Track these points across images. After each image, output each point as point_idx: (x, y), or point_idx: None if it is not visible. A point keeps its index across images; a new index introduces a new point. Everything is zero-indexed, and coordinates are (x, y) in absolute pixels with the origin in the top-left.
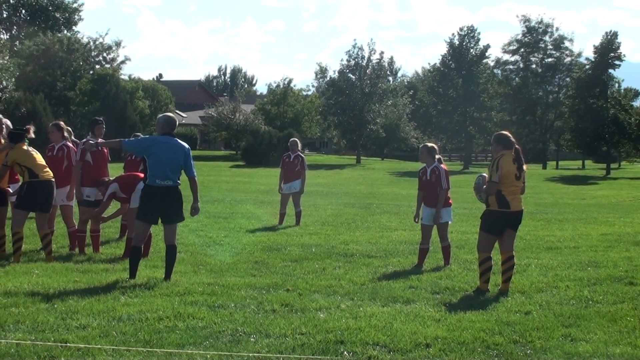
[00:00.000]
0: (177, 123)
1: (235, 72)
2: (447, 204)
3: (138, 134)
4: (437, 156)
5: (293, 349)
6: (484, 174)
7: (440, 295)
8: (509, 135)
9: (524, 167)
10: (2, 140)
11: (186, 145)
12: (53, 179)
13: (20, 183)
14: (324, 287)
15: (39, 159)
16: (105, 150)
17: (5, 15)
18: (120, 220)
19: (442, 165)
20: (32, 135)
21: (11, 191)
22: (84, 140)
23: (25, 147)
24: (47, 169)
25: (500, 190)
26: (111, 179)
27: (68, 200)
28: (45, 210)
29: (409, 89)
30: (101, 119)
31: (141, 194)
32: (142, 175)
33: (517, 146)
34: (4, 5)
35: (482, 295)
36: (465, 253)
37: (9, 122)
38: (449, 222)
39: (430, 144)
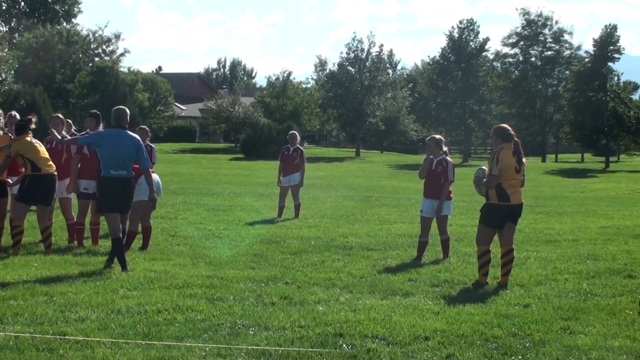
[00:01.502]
0: (129, 116)
1: (235, 64)
2: (447, 197)
3: (143, 127)
4: (444, 148)
5: (292, 341)
6: (484, 167)
7: (439, 288)
8: (509, 128)
9: (524, 160)
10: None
11: (137, 137)
12: (55, 173)
13: (20, 175)
14: (323, 279)
15: (42, 151)
16: None
17: (4, 8)
18: None
19: (448, 158)
20: (34, 126)
21: (11, 182)
22: (83, 133)
23: (28, 139)
24: (50, 162)
25: (500, 183)
26: None
27: (67, 192)
28: (46, 203)
29: (408, 82)
30: (93, 112)
31: (98, 185)
32: None
33: (516, 139)
34: None
35: (481, 288)
36: (464, 246)
37: (17, 116)
38: (449, 216)
39: (438, 136)
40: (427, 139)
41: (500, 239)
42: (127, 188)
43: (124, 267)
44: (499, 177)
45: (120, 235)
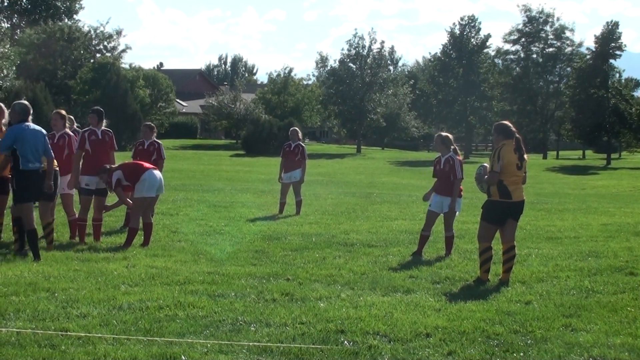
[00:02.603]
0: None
1: (236, 61)
2: (459, 194)
3: (148, 123)
4: (452, 146)
5: (293, 338)
6: (485, 164)
7: (440, 285)
8: (510, 124)
9: (525, 156)
10: (3, 129)
11: (42, 129)
12: (57, 168)
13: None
14: (324, 276)
15: None
16: (109, 140)
17: (6, 4)
18: (126, 209)
19: (457, 156)
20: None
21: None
22: (85, 129)
23: None
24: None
25: (502, 180)
26: (114, 166)
27: (68, 188)
28: (49, 199)
29: (409, 79)
30: (95, 108)
31: (17, 178)
32: (148, 165)
33: (517, 136)
34: None
35: (483, 285)
36: (465, 243)
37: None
38: (457, 213)
39: (444, 134)
40: (435, 136)
41: (502, 236)
42: (42, 179)
43: (36, 256)
44: (501, 173)
45: (35, 227)
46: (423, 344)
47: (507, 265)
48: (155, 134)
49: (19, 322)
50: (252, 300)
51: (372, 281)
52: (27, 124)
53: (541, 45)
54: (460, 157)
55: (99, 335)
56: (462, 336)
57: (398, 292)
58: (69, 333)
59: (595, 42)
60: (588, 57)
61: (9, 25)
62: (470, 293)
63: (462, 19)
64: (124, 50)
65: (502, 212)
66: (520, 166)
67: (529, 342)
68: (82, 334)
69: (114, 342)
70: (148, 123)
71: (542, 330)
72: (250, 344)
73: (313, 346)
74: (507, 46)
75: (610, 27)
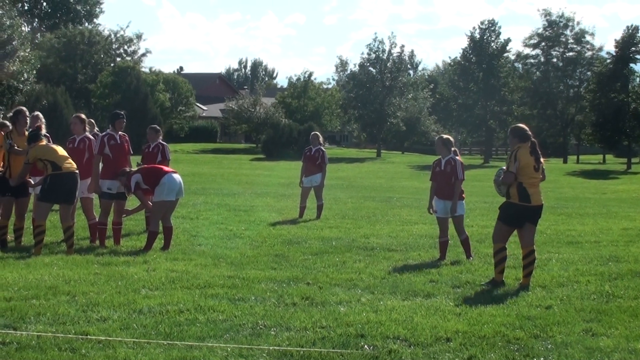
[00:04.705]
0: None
1: (256, 65)
2: (460, 196)
3: (153, 126)
4: (452, 148)
5: (313, 342)
6: (504, 168)
7: (460, 289)
8: (525, 127)
9: (542, 159)
10: (26, 133)
11: None
12: (77, 171)
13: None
14: (345, 280)
15: (61, 151)
16: (126, 144)
17: (26, 8)
18: (145, 213)
19: (457, 157)
20: (44, 131)
21: (32, 182)
22: (104, 133)
23: (43, 143)
24: (70, 160)
25: (521, 182)
26: (133, 169)
27: (88, 192)
28: (69, 202)
29: (429, 83)
30: (122, 113)
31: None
32: (167, 169)
33: (533, 139)
34: None
35: (497, 286)
36: (485, 247)
37: (40, 116)
38: (463, 215)
39: (445, 136)
40: (436, 138)
41: (521, 241)
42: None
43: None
44: (519, 175)
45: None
46: (443, 349)
47: (527, 270)
48: (160, 136)
49: (40, 325)
50: (272, 304)
51: (393, 285)
52: None
53: (561, 50)
54: (460, 158)
55: (119, 339)
56: (482, 341)
57: (418, 297)
58: (89, 337)
59: (616, 47)
60: (608, 61)
61: (29, 29)
62: (491, 297)
63: (482, 23)
64: (144, 54)
65: (519, 215)
66: (537, 168)
67: (549, 346)
68: (103, 338)
69: (134, 345)
70: (153, 126)
71: (563, 335)
72: (271, 348)
73: (333, 350)
74: (527, 50)
75: (630, 31)
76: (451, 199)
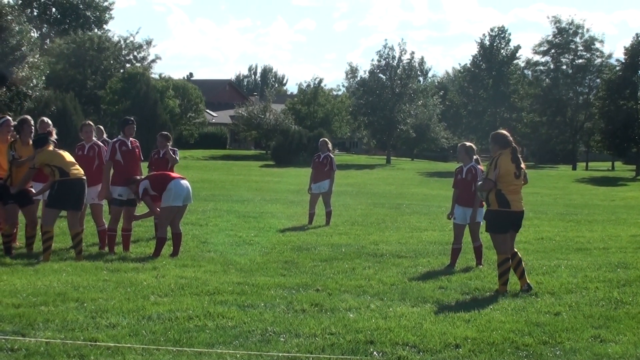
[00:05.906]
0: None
1: (266, 71)
2: (480, 204)
3: (164, 132)
4: (474, 156)
5: (323, 348)
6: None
7: (469, 295)
8: (506, 134)
9: (522, 165)
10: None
11: None
12: (84, 177)
13: (48, 182)
14: (354, 287)
15: (68, 156)
16: (137, 150)
17: (36, 14)
18: (154, 219)
19: (479, 166)
20: (55, 137)
21: (34, 191)
22: (115, 139)
23: (51, 149)
24: (77, 167)
25: (500, 189)
26: (142, 177)
27: (98, 199)
28: (77, 208)
29: (439, 90)
30: (132, 119)
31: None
32: (175, 175)
33: (514, 145)
34: (34, 4)
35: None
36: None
37: (49, 121)
38: (481, 223)
39: (468, 144)
40: (458, 145)
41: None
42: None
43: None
44: (498, 183)
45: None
46: (452, 355)
47: (519, 271)
48: (170, 143)
49: (48, 332)
50: (281, 310)
51: (402, 292)
52: None
53: (571, 57)
54: (482, 167)
55: (128, 345)
56: (491, 347)
57: (427, 303)
58: (98, 343)
59: (625, 54)
60: (618, 68)
61: (38, 35)
62: (500, 304)
63: (492, 30)
64: (153, 61)
65: (505, 221)
66: (518, 175)
67: (558, 353)
68: (111, 344)
69: (143, 352)
70: (164, 132)
71: (571, 341)
72: (280, 354)
73: (342, 357)
74: (537, 57)
75: (639, 38)
76: (471, 206)
